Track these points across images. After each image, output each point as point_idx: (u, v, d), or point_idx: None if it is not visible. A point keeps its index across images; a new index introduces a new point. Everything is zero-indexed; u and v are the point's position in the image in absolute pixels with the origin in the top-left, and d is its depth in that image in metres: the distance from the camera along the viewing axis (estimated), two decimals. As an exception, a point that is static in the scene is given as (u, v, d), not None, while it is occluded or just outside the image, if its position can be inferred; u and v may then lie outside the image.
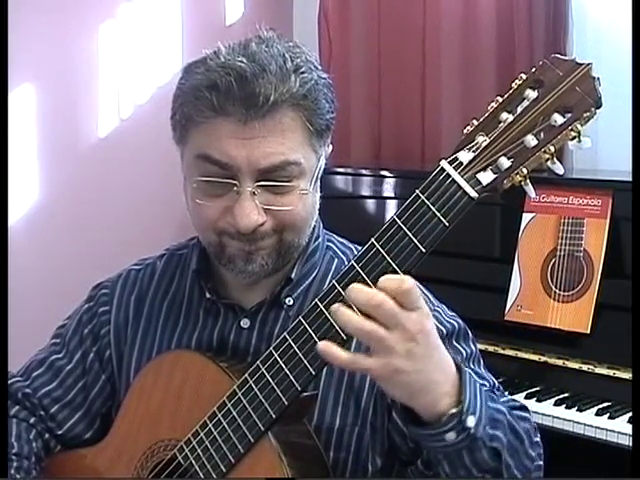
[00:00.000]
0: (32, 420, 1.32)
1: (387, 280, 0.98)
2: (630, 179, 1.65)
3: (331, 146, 1.22)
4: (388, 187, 2.52)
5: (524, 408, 1.18)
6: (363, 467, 1.21)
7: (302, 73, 1.12)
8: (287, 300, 1.23)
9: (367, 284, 0.99)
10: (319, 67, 1.17)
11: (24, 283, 2.29)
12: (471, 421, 1.01)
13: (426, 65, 2.88)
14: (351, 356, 0.99)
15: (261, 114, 1.09)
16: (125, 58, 2.68)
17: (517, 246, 2.18)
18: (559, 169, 0.96)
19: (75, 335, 1.34)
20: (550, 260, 2.14)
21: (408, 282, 0.97)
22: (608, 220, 2.07)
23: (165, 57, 2.78)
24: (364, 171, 2.63)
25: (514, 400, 1.21)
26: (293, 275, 1.22)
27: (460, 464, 1.05)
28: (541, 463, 1.16)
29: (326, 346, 0.98)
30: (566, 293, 2.09)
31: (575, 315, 2.06)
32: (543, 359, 2.07)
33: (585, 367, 2.00)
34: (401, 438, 1.19)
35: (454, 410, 1.01)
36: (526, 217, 2.19)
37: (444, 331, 1.20)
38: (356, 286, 0.98)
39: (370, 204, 2.57)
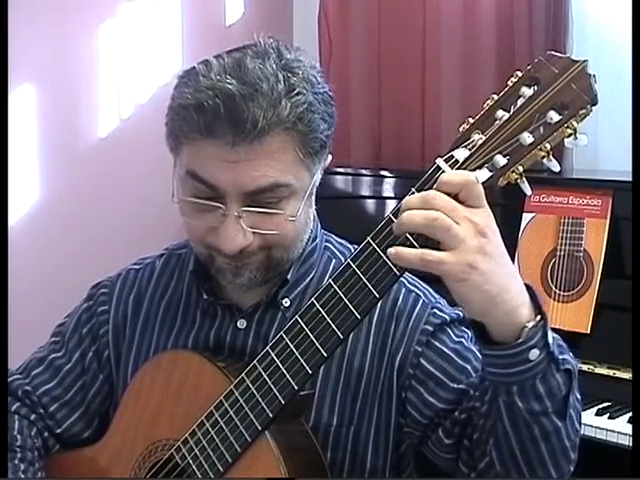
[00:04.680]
0: (32, 417, 1.32)
1: (449, 175, 0.94)
2: (630, 179, 1.65)
3: (330, 156, 1.19)
4: (388, 187, 2.52)
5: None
6: (361, 467, 1.21)
7: (296, 95, 1.08)
8: (284, 301, 1.22)
9: (363, 283, 0.99)
10: (318, 81, 1.12)
11: (24, 283, 2.28)
12: (549, 336, 0.96)
13: (426, 65, 2.87)
14: (420, 251, 0.93)
15: (249, 139, 1.06)
16: (125, 58, 2.68)
17: (517, 246, 2.18)
18: (555, 166, 0.96)
19: (74, 334, 1.34)
20: (550, 260, 2.13)
21: (471, 176, 0.94)
22: (608, 220, 2.07)
23: (165, 57, 2.77)
24: (364, 171, 2.63)
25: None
26: (289, 276, 1.22)
27: (534, 396, 0.99)
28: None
29: (396, 250, 0.94)
30: (566, 293, 2.09)
31: (575, 315, 2.06)
32: (543, 359, 2.06)
33: (585, 367, 1.99)
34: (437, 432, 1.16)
35: (533, 323, 0.95)
36: (526, 217, 2.19)
37: (447, 318, 1.19)
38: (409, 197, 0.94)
39: (370, 204, 2.56)
